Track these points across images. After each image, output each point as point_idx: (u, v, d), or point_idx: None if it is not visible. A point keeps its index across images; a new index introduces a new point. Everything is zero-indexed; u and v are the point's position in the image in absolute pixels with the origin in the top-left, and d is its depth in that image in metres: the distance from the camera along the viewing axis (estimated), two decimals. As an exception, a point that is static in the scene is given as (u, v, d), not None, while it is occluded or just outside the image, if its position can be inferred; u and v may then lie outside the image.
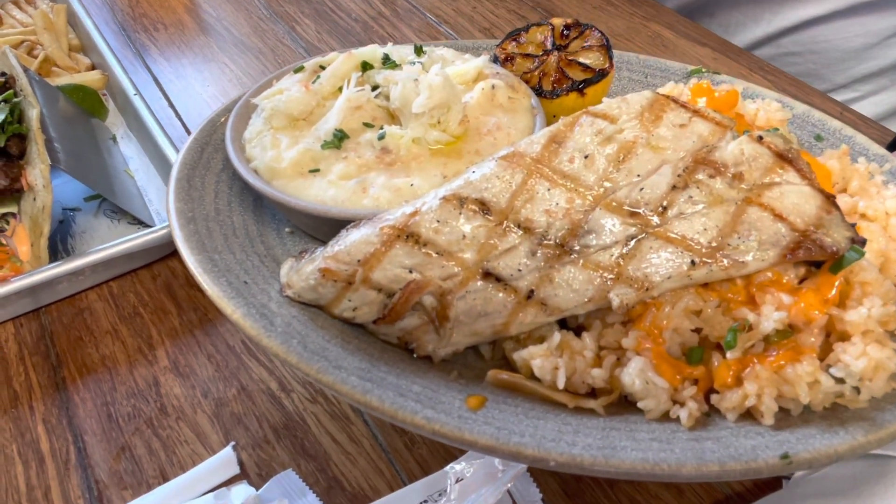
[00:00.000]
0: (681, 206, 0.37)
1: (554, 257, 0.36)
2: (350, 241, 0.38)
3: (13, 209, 0.50)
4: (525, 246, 0.37)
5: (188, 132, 0.66)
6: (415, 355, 0.38)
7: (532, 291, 0.36)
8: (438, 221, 0.37)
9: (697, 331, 0.36)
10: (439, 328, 0.37)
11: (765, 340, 0.34)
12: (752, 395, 0.33)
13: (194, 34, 0.79)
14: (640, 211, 0.37)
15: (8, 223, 0.50)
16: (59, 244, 0.54)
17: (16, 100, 0.50)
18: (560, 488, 0.41)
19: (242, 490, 0.39)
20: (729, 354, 0.34)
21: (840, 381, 0.33)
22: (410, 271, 0.37)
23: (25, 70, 0.53)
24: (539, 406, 0.35)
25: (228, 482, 0.40)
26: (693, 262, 0.35)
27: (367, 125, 0.46)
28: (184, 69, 0.74)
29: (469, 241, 0.37)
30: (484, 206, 0.37)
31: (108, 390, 0.45)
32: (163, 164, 0.58)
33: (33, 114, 0.48)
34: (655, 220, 0.36)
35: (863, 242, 0.36)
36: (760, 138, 0.38)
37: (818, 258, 0.35)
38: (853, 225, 0.36)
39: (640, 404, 0.35)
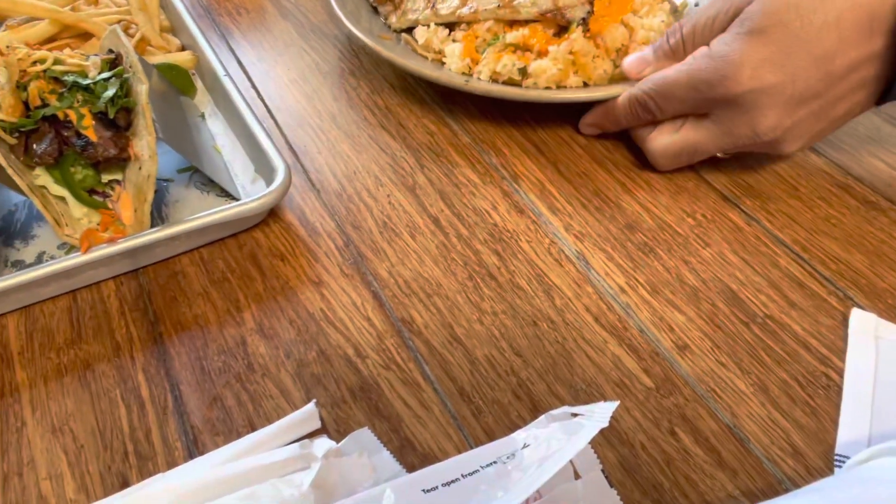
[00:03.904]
0: None
1: None
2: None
3: (118, 177, 0.55)
4: None
5: (269, 112, 0.70)
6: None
7: (432, 2, 0.68)
8: None
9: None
10: (398, 7, 0.73)
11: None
12: None
13: (274, 19, 0.83)
14: None
15: (113, 189, 0.54)
16: (154, 211, 0.58)
17: (125, 76, 0.54)
18: (618, 462, 0.43)
19: (324, 442, 0.42)
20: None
21: None
22: None
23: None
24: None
25: (310, 435, 0.44)
26: (499, 6, 0.63)
27: None
28: (265, 53, 0.78)
29: None
30: None
31: (201, 346, 0.49)
32: (249, 141, 0.62)
33: (142, 89, 0.52)
34: None
35: (590, 14, 0.62)
36: None
37: (562, 23, 0.63)
38: (590, 13, 0.63)
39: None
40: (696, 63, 0.54)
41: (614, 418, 0.45)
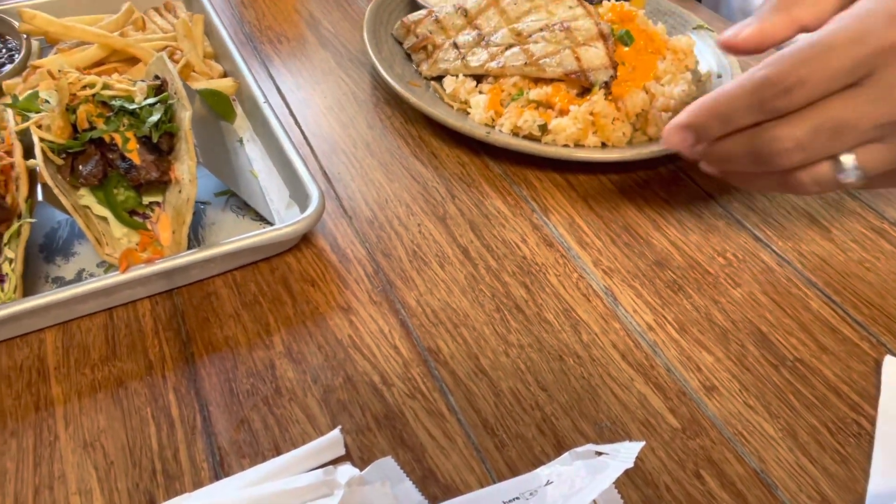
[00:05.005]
0: (536, 38, 0.68)
1: (476, 43, 0.72)
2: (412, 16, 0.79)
3: (158, 199, 0.56)
4: (472, 35, 0.72)
5: (306, 139, 0.71)
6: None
7: (463, 54, 0.72)
8: (447, 14, 0.76)
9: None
10: (430, 56, 0.75)
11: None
12: None
13: (314, 48, 0.85)
14: (521, 32, 0.70)
15: (153, 211, 0.56)
16: (191, 233, 0.59)
17: (170, 102, 0.56)
18: (642, 503, 0.43)
19: (348, 470, 0.42)
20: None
21: None
22: (430, 32, 0.75)
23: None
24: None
25: (334, 462, 0.44)
26: (526, 63, 0.66)
27: None
28: (304, 80, 0.80)
29: (458, 27, 0.75)
30: (466, 12, 0.75)
31: (231, 368, 0.50)
32: (285, 168, 0.63)
33: (185, 116, 0.54)
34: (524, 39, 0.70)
35: (613, 78, 0.65)
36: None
37: (584, 84, 0.65)
38: (613, 77, 0.66)
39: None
40: (848, 19, 0.41)
41: (639, 458, 0.45)
